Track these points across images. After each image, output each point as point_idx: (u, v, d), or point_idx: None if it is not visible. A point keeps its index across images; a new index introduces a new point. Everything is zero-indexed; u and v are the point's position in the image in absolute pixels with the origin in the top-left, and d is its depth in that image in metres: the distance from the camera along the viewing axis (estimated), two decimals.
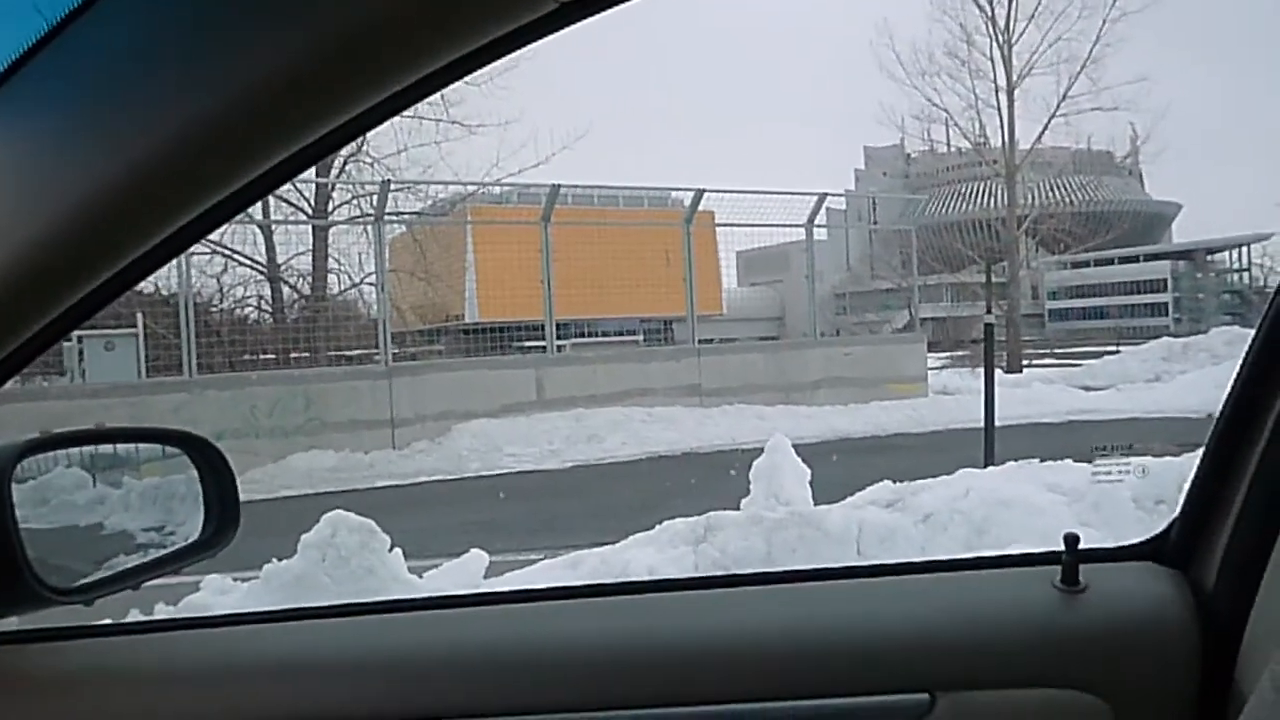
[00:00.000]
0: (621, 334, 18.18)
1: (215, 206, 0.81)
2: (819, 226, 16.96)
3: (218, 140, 0.75)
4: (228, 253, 16.07)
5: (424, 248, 17.17)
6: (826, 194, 16.40)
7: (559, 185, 14.13)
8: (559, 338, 14.61)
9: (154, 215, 0.80)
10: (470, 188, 18.37)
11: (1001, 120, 24.88)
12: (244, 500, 1.28)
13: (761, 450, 6.19)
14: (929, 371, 17.39)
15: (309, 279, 17.68)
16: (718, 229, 16.85)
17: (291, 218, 17.05)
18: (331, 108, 0.75)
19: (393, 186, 15.31)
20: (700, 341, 15.33)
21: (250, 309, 18.12)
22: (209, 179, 0.79)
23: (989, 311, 11.10)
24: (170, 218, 0.81)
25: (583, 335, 17.67)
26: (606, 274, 16.40)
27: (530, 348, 15.12)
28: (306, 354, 15.45)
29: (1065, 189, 46.39)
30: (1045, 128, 25.09)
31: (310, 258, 17.39)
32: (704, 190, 15.06)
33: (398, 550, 5.14)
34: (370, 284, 15.89)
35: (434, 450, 12.26)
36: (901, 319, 25.32)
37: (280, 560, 5.09)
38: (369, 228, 15.21)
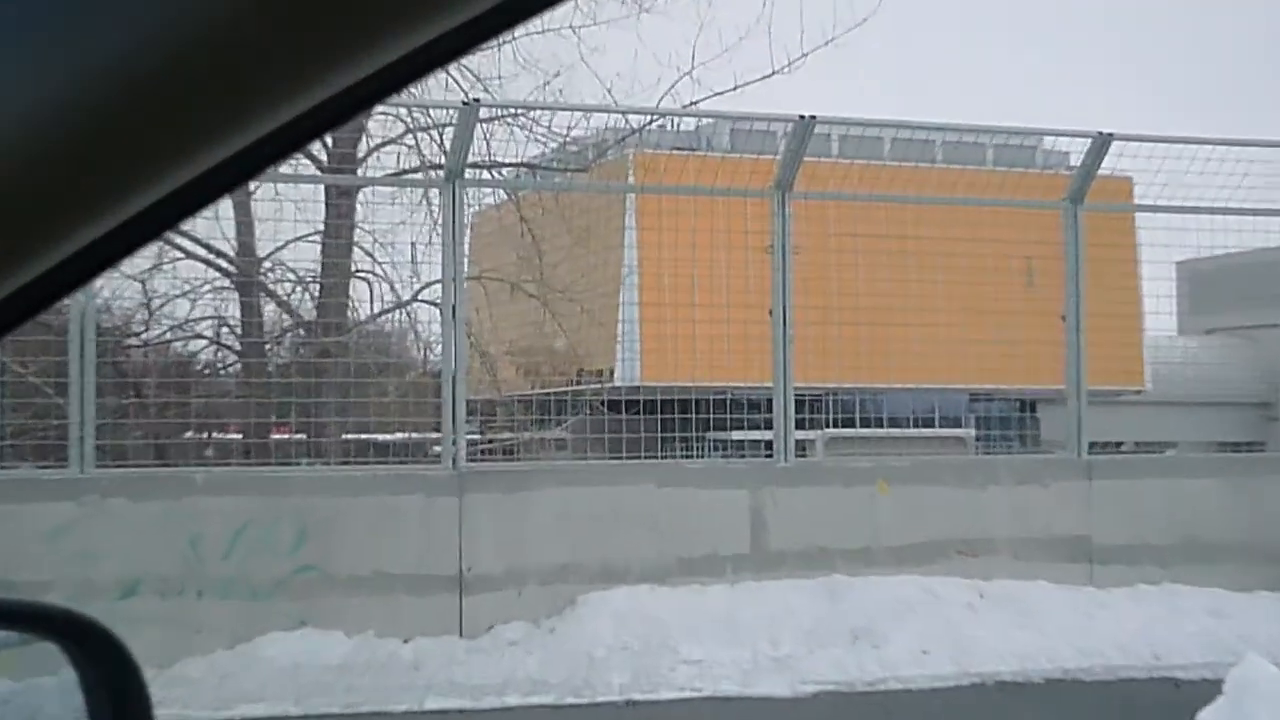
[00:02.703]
0: (929, 423, 18.22)
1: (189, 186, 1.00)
2: None
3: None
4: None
5: (538, 236, 17.44)
6: None
7: (812, 119, 14.20)
8: (802, 425, 14.68)
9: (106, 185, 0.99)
10: (636, 119, 18.60)
11: None
12: None
13: (1217, 685, 5.99)
14: None
15: (314, 289, 18.13)
16: (1140, 214, 16.74)
17: (287, 171, 17.29)
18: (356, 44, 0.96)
19: (484, 112, 15.65)
20: (1094, 448, 15.15)
21: (203, 344, 18.45)
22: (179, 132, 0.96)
23: None
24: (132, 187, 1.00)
25: (848, 422, 17.70)
26: (899, 300, 16.50)
27: (742, 444, 15.22)
28: (302, 435, 15.91)
29: None
30: None
31: (319, 249, 17.85)
32: (1110, 136, 15.00)
33: None
34: (431, 302, 16.29)
35: (539, 641, 12.41)
36: None
37: None
38: (432, 194, 15.69)
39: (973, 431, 18.03)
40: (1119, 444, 16.37)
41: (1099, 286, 15.54)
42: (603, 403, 17.35)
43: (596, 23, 18.84)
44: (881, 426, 17.85)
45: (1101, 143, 15.08)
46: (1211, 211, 15.90)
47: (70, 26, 0.97)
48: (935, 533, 14.10)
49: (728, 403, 15.41)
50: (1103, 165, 15.22)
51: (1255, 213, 16.21)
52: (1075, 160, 15.79)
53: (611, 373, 17.47)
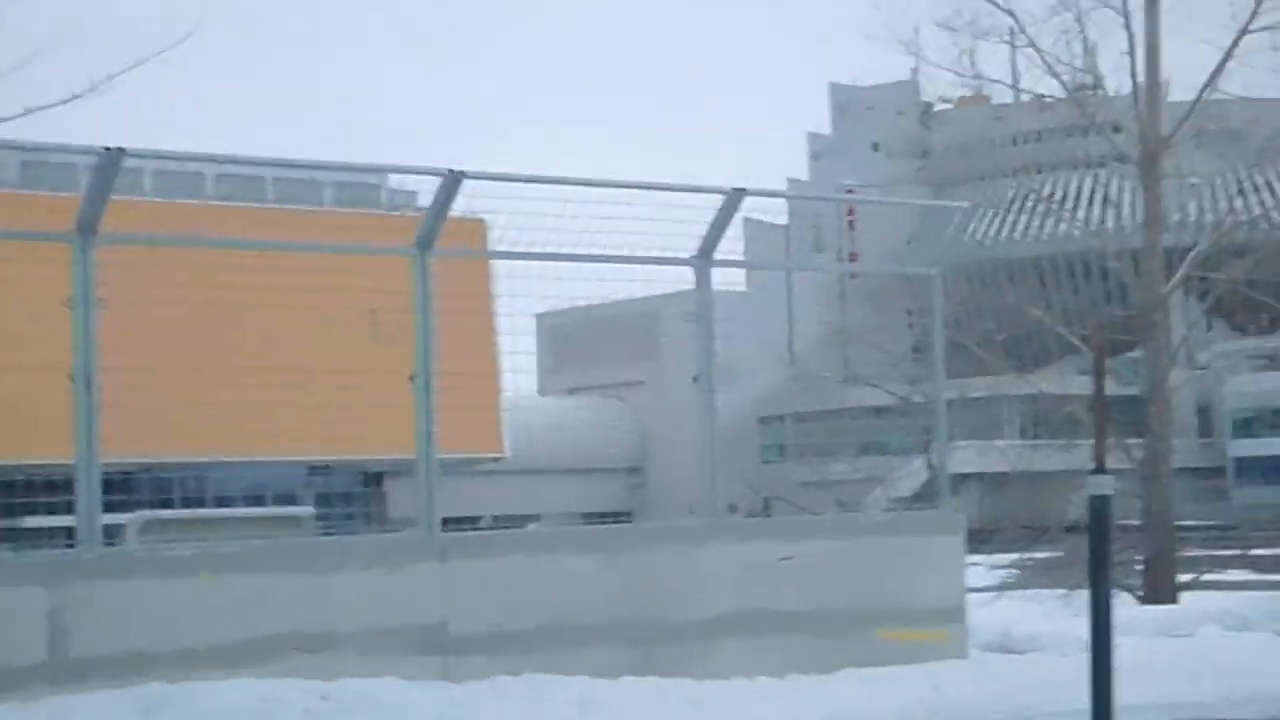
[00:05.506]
0: (262, 500, 18.45)
1: None
2: (726, 264, 17.20)
3: None
4: None
5: None
6: (743, 191, 16.64)
7: (119, 150, 14.02)
8: (114, 508, 14.79)
9: None
10: None
11: (1133, 42, 25.96)
12: None
13: None
14: (970, 596, 17.75)
15: None
16: (496, 262, 17.26)
17: None
18: None
19: None
20: (449, 523, 15.36)
21: None
22: None
23: (1100, 466, 11.26)
24: None
25: (168, 503, 17.82)
26: (228, 358, 17.33)
27: (41, 531, 14.94)
28: None
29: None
30: (1227, 57, 26.25)
31: None
32: (462, 175, 15.24)
33: None
34: None
35: None
36: (914, 476, 25.76)
37: None
38: None
39: (311, 509, 18.08)
40: (477, 519, 16.73)
41: (453, 342, 15.75)
42: None
43: None
44: (206, 506, 17.57)
45: (452, 181, 15.20)
46: (571, 259, 16.41)
47: None
48: (270, 628, 14.06)
49: (18, 484, 15.12)
50: (460, 208, 15.47)
51: (615, 259, 16.72)
52: (426, 201, 15.99)
53: None
